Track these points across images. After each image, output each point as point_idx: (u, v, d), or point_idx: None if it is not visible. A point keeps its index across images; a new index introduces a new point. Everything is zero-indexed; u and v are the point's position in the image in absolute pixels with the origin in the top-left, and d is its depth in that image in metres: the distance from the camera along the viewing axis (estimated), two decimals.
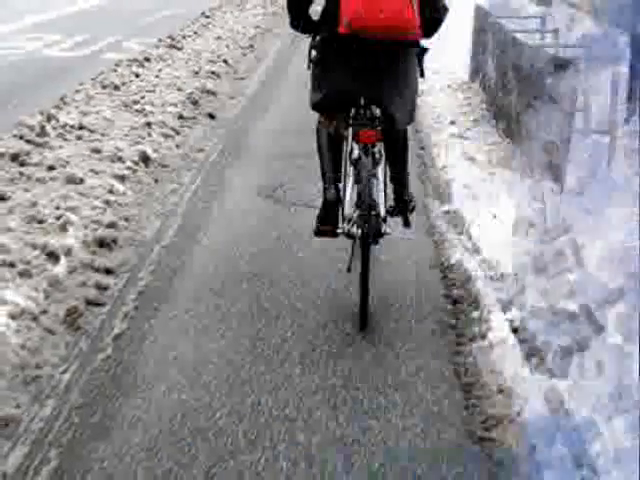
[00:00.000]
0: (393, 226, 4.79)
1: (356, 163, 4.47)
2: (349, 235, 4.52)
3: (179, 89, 9.87)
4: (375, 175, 4.51)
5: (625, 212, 4.68)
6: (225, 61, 12.15)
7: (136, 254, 5.36)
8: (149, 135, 7.87)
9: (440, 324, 4.44)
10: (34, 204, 5.69)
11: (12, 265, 4.71)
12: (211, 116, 9.31)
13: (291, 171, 7.25)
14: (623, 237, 4.33)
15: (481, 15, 10.38)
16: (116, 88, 9.73)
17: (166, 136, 8.04)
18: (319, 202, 4.74)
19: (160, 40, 13.21)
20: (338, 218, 4.59)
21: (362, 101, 4.48)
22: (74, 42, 15.00)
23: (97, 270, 4.99)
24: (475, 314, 4.42)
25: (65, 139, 7.49)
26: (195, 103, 9.52)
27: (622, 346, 3.52)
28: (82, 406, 3.65)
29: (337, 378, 3.89)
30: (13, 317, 4.21)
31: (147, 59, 11.57)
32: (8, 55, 13.46)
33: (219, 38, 14.10)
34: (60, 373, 3.92)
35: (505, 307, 4.41)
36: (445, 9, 4.48)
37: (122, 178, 6.59)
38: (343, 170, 4.69)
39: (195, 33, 14.44)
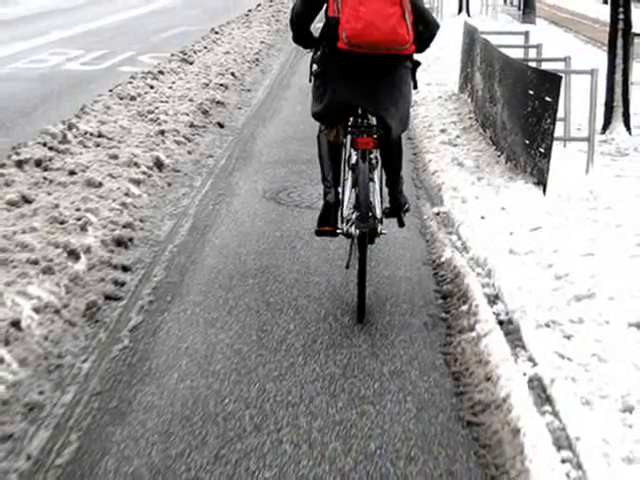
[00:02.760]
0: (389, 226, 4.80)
1: (354, 168, 4.47)
2: (348, 235, 4.51)
3: (190, 100, 9.86)
4: (372, 179, 4.50)
5: None
6: (233, 74, 12.13)
7: (151, 252, 5.35)
8: (163, 142, 7.86)
9: (431, 317, 4.43)
10: (56, 206, 5.69)
11: (36, 262, 4.71)
12: (220, 125, 9.30)
13: (294, 175, 7.24)
14: None
15: (469, 31, 10.37)
16: (132, 99, 9.73)
17: (178, 143, 8.03)
18: (320, 204, 4.72)
19: (173, 55, 13.21)
20: (337, 219, 4.58)
21: (360, 111, 4.47)
22: (94, 56, 15.01)
23: (115, 267, 4.98)
24: (464, 308, 4.40)
25: (85, 146, 7.48)
26: (205, 113, 9.50)
27: None
28: (101, 393, 3.64)
29: (336, 367, 3.88)
30: (37, 310, 4.20)
31: (161, 72, 11.56)
32: (34, 68, 13.48)
33: (227, 53, 14.08)
34: (80, 362, 3.91)
35: (491, 301, 4.41)
36: (436, 25, 4.47)
37: (138, 182, 6.58)
38: (342, 174, 4.68)
39: (205, 48, 14.42)
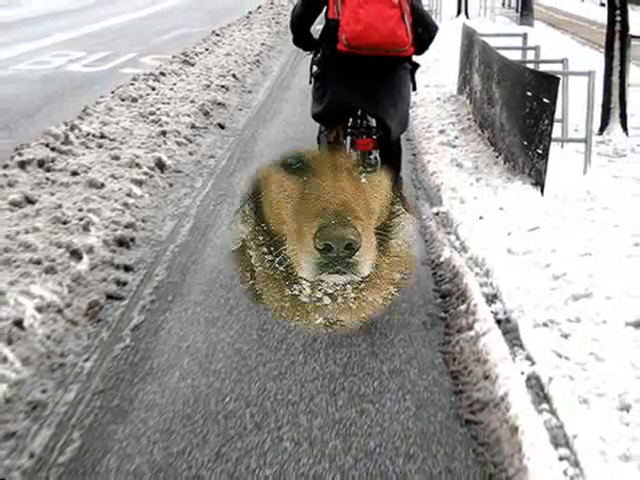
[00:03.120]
0: None
1: None
2: None
3: (192, 101, 9.86)
4: None
5: None
6: (234, 75, 12.13)
7: (152, 252, 5.35)
8: (164, 143, 7.86)
9: (430, 316, 4.43)
10: (59, 206, 5.69)
11: (39, 262, 4.71)
12: (221, 126, 9.30)
13: None
14: None
15: (468, 33, 10.37)
16: (134, 100, 9.73)
17: (180, 144, 8.03)
18: None
19: (174, 56, 13.19)
20: None
21: (359, 112, 4.48)
22: (96, 58, 15.01)
23: (117, 267, 4.98)
24: (462, 307, 4.40)
25: (87, 147, 7.48)
26: (206, 114, 9.50)
27: None
28: (103, 391, 3.65)
29: (336, 366, 3.88)
30: (39, 310, 4.21)
31: (162, 74, 11.56)
32: (36, 70, 13.48)
33: (228, 54, 14.07)
34: (83, 361, 3.91)
35: (490, 301, 4.41)
36: (435, 28, 4.48)
37: (139, 183, 6.58)
38: None
39: (206, 50, 14.42)
